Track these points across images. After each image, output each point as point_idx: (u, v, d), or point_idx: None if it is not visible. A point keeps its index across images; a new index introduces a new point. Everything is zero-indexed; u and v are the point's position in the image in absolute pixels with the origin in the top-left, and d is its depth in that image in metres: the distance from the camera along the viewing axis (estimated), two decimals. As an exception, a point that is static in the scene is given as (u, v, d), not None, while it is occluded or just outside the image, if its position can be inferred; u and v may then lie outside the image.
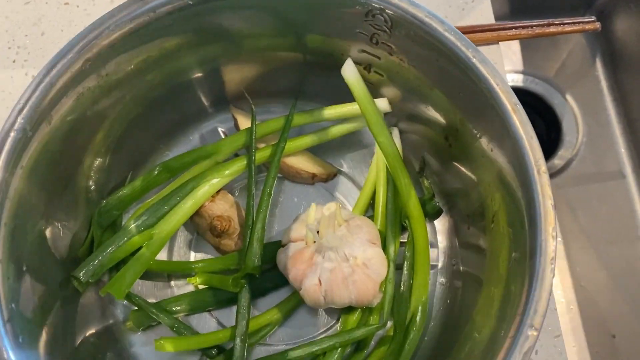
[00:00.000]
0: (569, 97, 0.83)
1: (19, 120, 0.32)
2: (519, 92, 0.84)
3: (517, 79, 0.85)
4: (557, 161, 0.81)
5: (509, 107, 0.33)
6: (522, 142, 0.33)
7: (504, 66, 0.54)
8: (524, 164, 0.33)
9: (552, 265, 0.31)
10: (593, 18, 0.52)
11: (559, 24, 0.51)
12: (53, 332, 0.35)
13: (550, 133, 0.84)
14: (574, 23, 0.51)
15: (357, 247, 0.39)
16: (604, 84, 0.81)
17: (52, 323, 0.36)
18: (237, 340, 0.38)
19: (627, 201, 0.76)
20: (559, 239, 0.77)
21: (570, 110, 0.83)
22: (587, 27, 0.51)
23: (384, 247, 0.42)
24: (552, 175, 0.80)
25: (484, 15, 0.52)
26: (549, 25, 0.51)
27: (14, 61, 0.50)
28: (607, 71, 0.81)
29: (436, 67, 0.37)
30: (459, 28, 0.50)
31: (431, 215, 0.46)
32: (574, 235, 0.77)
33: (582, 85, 0.83)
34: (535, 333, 0.30)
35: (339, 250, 0.38)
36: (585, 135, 0.81)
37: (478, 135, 0.37)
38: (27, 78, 0.49)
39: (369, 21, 0.37)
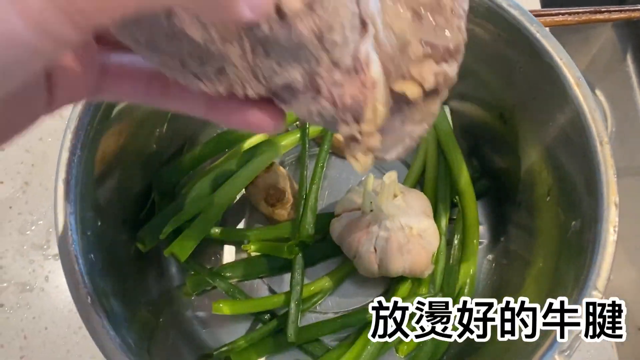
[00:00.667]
0: (598, 92, 0.84)
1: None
2: (548, 86, 0.85)
3: (546, 73, 0.86)
4: (586, 155, 0.81)
5: (572, 80, 0.34)
6: (585, 115, 0.34)
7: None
8: (588, 135, 0.33)
9: (614, 237, 0.32)
10: (640, 6, 0.53)
11: (606, 11, 0.52)
12: (121, 286, 0.37)
13: (579, 127, 0.84)
14: (621, 11, 0.52)
15: (412, 217, 0.40)
16: (634, 80, 0.82)
17: (119, 278, 0.37)
18: (292, 305, 0.39)
19: (658, 195, 0.76)
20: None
21: (599, 105, 0.83)
22: (634, 14, 0.52)
23: (436, 221, 0.43)
24: (581, 169, 0.81)
25: (530, 0, 0.53)
26: (595, 12, 0.52)
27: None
28: (637, 66, 0.82)
29: (498, 44, 0.37)
30: (506, 12, 0.52)
31: (477, 195, 0.46)
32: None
33: (611, 80, 0.83)
34: (599, 294, 0.31)
35: (395, 219, 0.39)
36: (614, 129, 0.82)
37: (538, 109, 0.38)
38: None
39: None
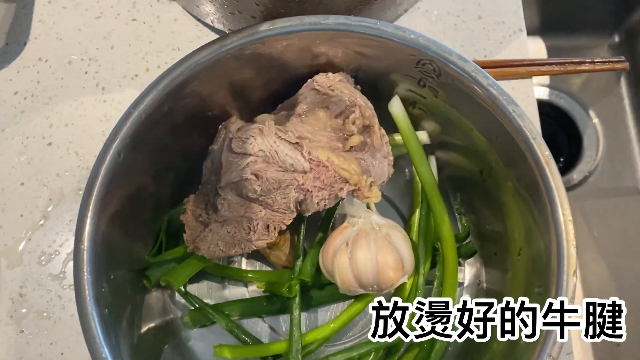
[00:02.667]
0: (591, 113, 0.87)
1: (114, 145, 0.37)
2: (544, 105, 0.88)
3: (543, 93, 0.88)
4: (576, 175, 0.84)
5: (542, 159, 0.37)
6: (552, 192, 0.37)
7: (535, 97, 0.58)
8: (553, 211, 0.37)
9: (571, 306, 0.36)
10: (622, 58, 0.56)
11: (590, 62, 0.55)
12: (125, 318, 0.41)
13: (571, 147, 0.87)
14: (604, 62, 0.55)
15: (384, 224, 0.44)
16: (626, 102, 0.85)
17: (125, 312, 0.41)
18: (293, 350, 0.43)
19: (641, 217, 0.79)
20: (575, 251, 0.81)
21: (592, 126, 0.86)
22: (617, 66, 0.55)
23: (416, 263, 0.47)
24: (571, 188, 0.84)
25: (520, 50, 0.56)
26: (580, 63, 0.55)
27: (85, 72, 0.54)
28: (631, 90, 0.84)
29: (477, 112, 0.41)
30: (496, 62, 0.55)
31: (466, 255, 0.50)
32: (587, 246, 0.81)
33: (605, 102, 0.86)
34: (552, 360, 0.35)
35: (365, 219, 0.44)
36: (605, 150, 0.85)
37: (511, 177, 0.41)
38: (97, 89, 0.54)
39: (419, 68, 0.41)
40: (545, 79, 0.87)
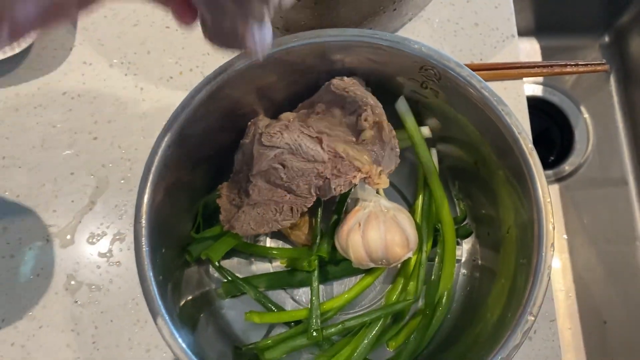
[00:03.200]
0: (582, 109, 0.93)
1: (165, 140, 0.44)
2: (537, 101, 0.94)
3: (536, 90, 0.94)
4: (568, 166, 0.90)
5: (526, 151, 0.44)
6: (535, 179, 0.44)
7: (524, 92, 0.64)
8: (535, 195, 0.44)
9: (549, 271, 0.43)
10: (604, 61, 0.62)
11: (574, 65, 0.61)
12: (170, 290, 0.48)
13: (563, 140, 0.93)
14: (587, 65, 0.61)
15: (391, 207, 0.51)
16: (615, 99, 0.90)
17: (172, 281, 0.48)
18: (313, 317, 0.50)
19: (628, 205, 0.85)
20: (564, 235, 0.87)
21: (583, 121, 0.92)
22: (598, 68, 0.61)
23: (420, 241, 0.53)
24: (562, 178, 0.90)
25: (512, 53, 0.62)
26: (565, 65, 0.61)
27: (125, 74, 0.61)
28: (620, 87, 0.90)
29: (472, 111, 0.47)
30: (490, 65, 0.61)
31: (463, 236, 0.57)
32: (577, 232, 0.87)
33: (595, 98, 0.92)
34: (532, 318, 0.42)
35: (375, 202, 0.51)
36: (594, 144, 0.90)
37: (501, 166, 0.48)
38: (136, 89, 0.61)
39: (422, 72, 0.48)
40: (540, 77, 0.93)
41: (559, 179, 0.91)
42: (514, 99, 0.62)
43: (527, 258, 0.44)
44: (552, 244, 0.43)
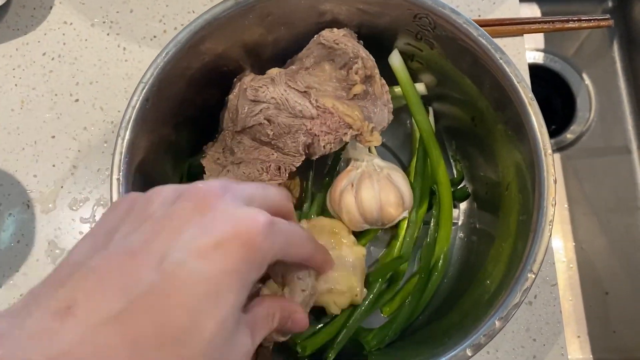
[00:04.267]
0: (585, 76, 0.90)
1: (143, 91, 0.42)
2: (539, 69, 0.91)
3: (538, 57, 0.91)
4: (569, 135, 0.88)
5: (526, 100, 0.42)
6: (535, 130, 0.41)
7: (525, 48, 0.61)
8: (535, 147, 0.41)
9: (550, 226, 0.40)
10: (607, 16, 0.60)
11: (577, 20, 0.59)
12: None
13: (565, 108, 0.91)
14: (590, 20, 0.58)
15: (385, 166, 0.49)
16: (618, 65, 0.88)
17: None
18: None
19: (631, 174, 0.83)
20: (566, 205, 0.85)
21: (585, 89, 0.90)
22: (602, 23, 0.59)
23: (417, 204, 0.51)
24: (564, 147, 0.88)
25: (512, 9, 0.60)
26: (567, 21, 0.59)
27: (107, 34, 0.59)
28: (623, 53, 0.87)
29: (469, 62, 0.45)
30: (489, 21, 0.59)
31: (460, 198, 0.55)
32: (579, 202, 0.85)
33: (598, 65, 0.89)
34: (533, 276, 0.40)
35: (369, 161, 0.48)
36: (597, 112, 0.88)
37: (499, 120, 0.46)
38: (119, 49, 0.58)
39: (416, 22, 0.45)
40: (541, 44, 0.91)
41: (560, 148, 0.89)
42: (513, 57, 0.60)
43: (527, 214, 0.42)
44: (554, 199, 0.41)
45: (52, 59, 0.58)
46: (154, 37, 0.59)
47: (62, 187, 0.55)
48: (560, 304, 0.55)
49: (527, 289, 0.40)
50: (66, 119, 0.56)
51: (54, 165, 0.55)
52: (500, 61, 0.42)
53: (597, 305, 0.80)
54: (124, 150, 0.41)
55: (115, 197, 0.40)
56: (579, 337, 0.80)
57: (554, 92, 0.93)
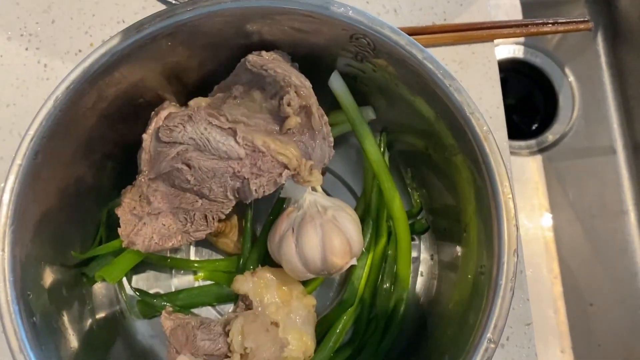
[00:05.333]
0: (567, 71, 0.84)
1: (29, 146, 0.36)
2: (517, 63, 0.85)
3: (517, 50, 0.85)
4: (551, 135, 0.83)
5: (481, 135, 0.36)
6: (492, 168, 0.36)
7: (496, 60, 0.55)
8: (493, 188, 0.35)
9: (512, 284, 0.35)
10: (587, 18, 0.53)
11: (553, 23, 0.52)
12: (68, 316, 0.40)
13: (546, 106, 0.85)
14: (568, 22, 0.52)
15: (330, 206, 0.43)
16: (603, 60, 0.82)
17: (66, 310, 0.40)
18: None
19: (616, 176, 0.79)
20: (548, 212, 0.81)
21: (568, 84, 0.84)
22: (580, 26, 0.52)
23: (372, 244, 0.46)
24: (545, 148, 0.83)
25: (481, 11, 0.53)
26: (543, 24, 0.52)
27: (26, 49, 0.52)
28: (607, 46, 0.82)
29: (417, 86, 0.39)
30: (456, 26, 0.52)
31: (419, 232, 0.49)
32: (562, 208, 0.80)
33: (581, 59, 0.84)
34: (493, 346, 0.34)
35: (311, 202, 0.42)
36: (580, 109, 0.83)
37: (455, 151, 0.40)
38: (39, 66, 0.52)
39: (353, 42, 0.39)
40: (520, 37, 0.85)
41: (542, 149, 0.84)
42: (483, 65, 0.54)
43: (487, 267, 0.36)
44: (516, 251, 0.35)
45: (-38, 79, 0.51)
46: (79, 51, 0.53)
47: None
48: (535, 345, 0.49)
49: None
50: (-21, 148, 0.50)
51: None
52: (450, 88, 0.36)
53: (581, 318, 0.77)
54: (9, 220, 0.35)
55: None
56: (562, 352, 0.76)
57: (535, 89, 0.87)
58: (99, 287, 0.45)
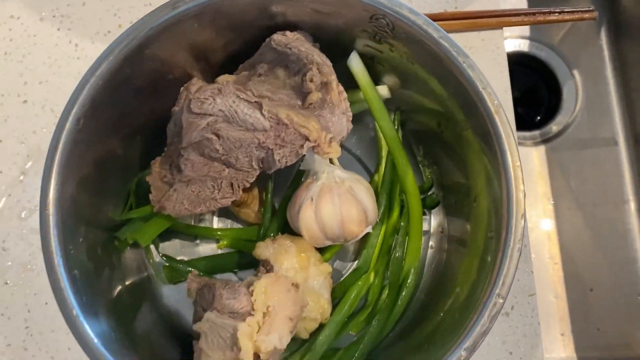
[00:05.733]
0: (571, 64, 0.87)
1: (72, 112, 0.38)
2: (523, 57, 0.87)
3: (523, 44, 0.88)
4: (555, 127, 0.85)
5: (492, 108, 0.38)
6: (502, 140, 0.38)
7: (504, 43, 0.58)
8: (503, 158, 0.38)
9: (519, 246, 0.37)
10: (592, 7, 0.56)
11: (559, 12, 0.55)
12: (102, 278, 0.43)
13: (551, 99, 0.87)
14: (573, 12, 0.55)
15: (347, 178, 0.45)
16: (606, 54, 0.84)
17: (100, 272, 0.43)
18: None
19: (617, 167, 0.80)
20: (550, 199, 0.83)
21: (572, 77, 0.86)
22: (585, 16, 0.55)
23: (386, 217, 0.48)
24: (549, 139, 0.85)
25: (490, 0, 0.56)
26: (549, 13, 0.55)
27: (58, 29, 0.55)
28: (611, 41, 0.84)
29: (433, 63, 0.42)
30: (466, 13, 0.55)
31: (430, 206, 0.52)
32: (564, 196, 0.82)
33: (585, 53, 0.86)
34: (501, 301, 0.37)
35: (329, 173, 0.45)
36: (583, 102, 0.85)
37: (467, 125, 0.42)
38: (70, 46, 0.55)
39: (373, 23, 0.41)
40: (526, 31, 0.87)
41: (545, 140, 0.86)
42: (492, 52, 0.56)
43: (495, 231, 0.39)
44: (523, 215, 0.38)
45: (-2, 56, 0.54)
46: (108, 32, 0.55)
47: (9, 195, 0.52)
48: (539, 315, 0.52)
49: (495, 315, 0.37)
50: (14, 122, 0.53)
51: (0, 172, 0.52)
52: (464, 65, 0.39)
53: (581, 302, 0.78)
54: (54, 179, 0.37)
55: (46, 233, 0.37)
56: (562, 335, 0.78)
57: (540, 81, 0.89)
58: (128, 255, 0.48)
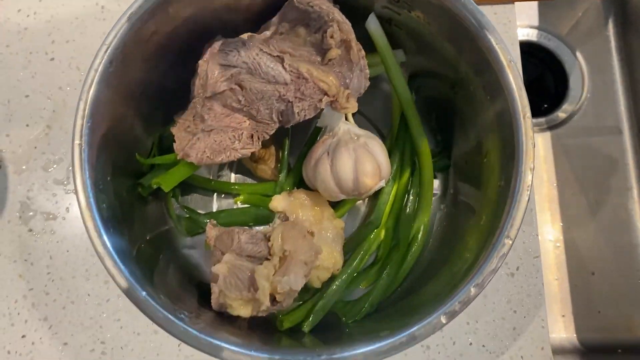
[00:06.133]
0: (578, 55, 0.88)
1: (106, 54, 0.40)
2: (532, 46, 0.89)
3: (531, 34, 0.89)
4: (561, 114, 0.87)
5: (504, 62, 0.40)
6: (513, 92, 0.40)
7: (517, 24, 0.60)
8: (514, 109, 0.40)
9: (528, 191, 0.39)
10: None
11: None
12: (124, 226, 0.45)
13: (557, 87, 0.89)
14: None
15: (362, 134, 0.47)
16: (613, 45, 0.86)
17: (123, 219, 0.45)
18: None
19: (621, 155, 0.82)
20: (555, 184, 0.84)
21: (579, 67, 0.88)
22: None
23: (398, 175, 0.50)
24: (555, 126, 0.87)
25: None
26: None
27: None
28: (618, 33, 0.86)
29: (448, 25, 0.44)
30: (477, -12, 0.57)
31: (441, 169, 0.54)
32: (568, 182, 0.84)
33: (592, 44, 0.87)
34: (510, 241, 0.39)
35: (345, 130, 0.47)
36: (589, 91, 0.87)
37: (479, 84, 0.44)
38: (97, 7, 0.57)
39: (393, -17, 0.44)
40: (535, 21, 0.89)
41: (551, 127, 0.88)
42: (504, 25, 0.58)
43: (505, 180, 0.41)
44: (532, 163, 0.40)
45: (28, 15, 0.56)
46: (133, -5, 0.57)
47: (35, 147, 0.54)
48: (543, 276, 0.54)
49: (504, 255, 0.39)
50: (41, 78, 0.55)
51: (27, 125, 0.54)
52: (482, 21, 0.41)
53: (583, 285, 0.80)
54: (86, 115, 0.39)
55: (77, 164, 0.39)
56: (563, 316, 0.79)
57: (547, 70, 0.91)
58: (150, 207, 0.50)
